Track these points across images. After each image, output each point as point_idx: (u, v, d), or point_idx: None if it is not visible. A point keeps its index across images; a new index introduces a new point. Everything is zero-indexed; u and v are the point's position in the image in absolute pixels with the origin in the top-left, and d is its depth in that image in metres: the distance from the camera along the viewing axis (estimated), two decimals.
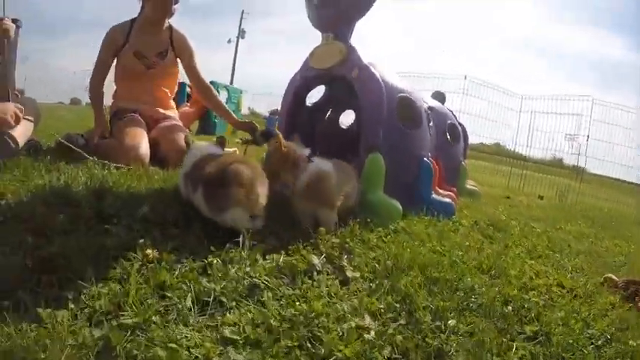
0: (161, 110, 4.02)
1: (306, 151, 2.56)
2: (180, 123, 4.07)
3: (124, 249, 1.72)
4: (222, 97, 11.28)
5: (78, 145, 3.63)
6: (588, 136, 9.87)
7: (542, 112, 10.13)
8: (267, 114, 16.13)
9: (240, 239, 1.91)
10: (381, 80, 3.05)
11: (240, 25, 38.76)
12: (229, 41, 39.40)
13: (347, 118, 4.31)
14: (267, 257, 1.90)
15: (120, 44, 3.82)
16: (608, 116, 9.86)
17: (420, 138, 3.35)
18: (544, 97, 10.15)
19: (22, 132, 2.94)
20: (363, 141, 3.04)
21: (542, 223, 4.52)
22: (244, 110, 17.94)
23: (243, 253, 1.85)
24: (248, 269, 1.74)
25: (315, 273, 1.87)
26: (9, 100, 2.89)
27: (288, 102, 3.58)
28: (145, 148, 3.45)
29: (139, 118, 3.81)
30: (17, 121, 2.80)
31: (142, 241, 1.80)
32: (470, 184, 5.29)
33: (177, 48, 3.97)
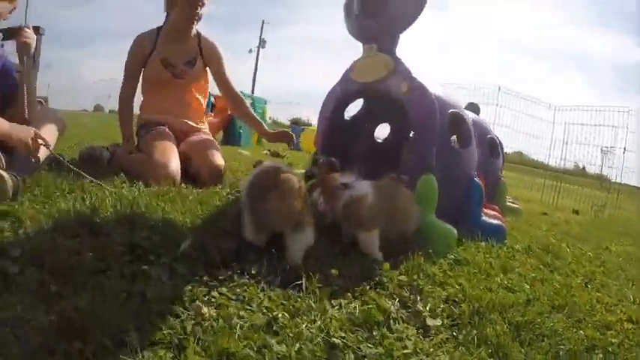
0: (191, 123, 3.75)
1: (348, 178, 2.41)
2: (211, 137, 3.82)
3: (169, 301, 1.43)
4: None
5: (102, 159, 3.43)
6: (625, 149, 9.51)
7: (577, 123, 9.77)
8: (289, 123, 16.00)
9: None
10: (433, 95, 2.80)
11: (260, 34, 38.76)
12: (250, 51, 39.36)
13: (381, 132, 4.10)
14: (334, 303, 1.64)
15: (147, 52, 3.58)
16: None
17: (470, 157, 3.09)
18: (577, 108, 9.79)
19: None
20: (414, 160, 2.78)
21: (588, 244, 4.26)
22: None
23: (312, 302, 1.58)
24: (319, 322, 1.47)
25: (392, 322, 1.61)
26: (26, 123, 2.61)
27: (327, 116, 3.33)
28: (175, 164, 3.18)
29: (168, 131, 3.55)
30: (35, 146, 2.51)
31: (189, 287, 1.53)
32: (509, 201, 5.02)
33: (207, 56, 3.72)
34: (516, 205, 5.10)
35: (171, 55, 3.61)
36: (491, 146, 4.32)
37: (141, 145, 3.51)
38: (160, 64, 3.58)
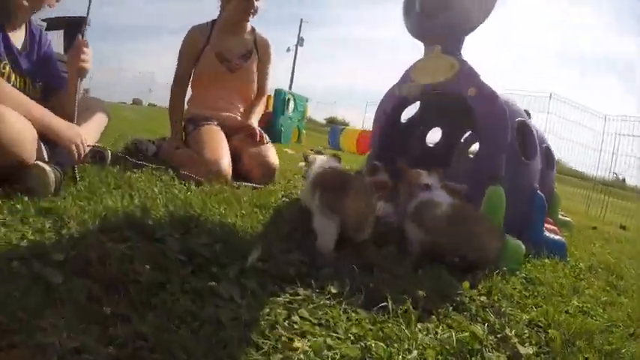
0: (240, 119, 3.60)
1: (431, 180, 2.36)
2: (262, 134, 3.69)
3: (247, 327, 1.21)
4: (290, 105, 11.07)
5: (148, 153, 3.33)
6: None
7: (629, 134, 9.38)
8: (324, 122, 15.89)
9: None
10: (502, 101, 2.63)
11: (299, 33, 38.68)
12: (288, 50, 39.20)
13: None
14: (421, 327, 1.45)
15: (201, 46, 3.48)
16: None
17: (535, 169, 2.88)
18: (628, 119, 9.41)
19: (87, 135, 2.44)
20: (481, 170, 2.62)
21: None
22: None
23: (402, 327, 1.38)
24: (415, 353, 1.27)
25: (483, 350, 1.45)
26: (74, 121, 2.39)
27: (385, 117, 3.17)
28: (227, 162, 3.04)
29: (218, 127, 3.42)
30: (81, 151, 2.28)
31: (266, 309, 1.32)
32: (560, 214, 4.79)
33: (261, 52, 3.66)
34: (567, 219, 4.88)
35: (226, 49, 3.51)
36: (547, 156, 4.13)
37: (189, 141, 3.39)
38: (215, 57, 3.48)
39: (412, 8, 2.89)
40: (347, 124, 18.97)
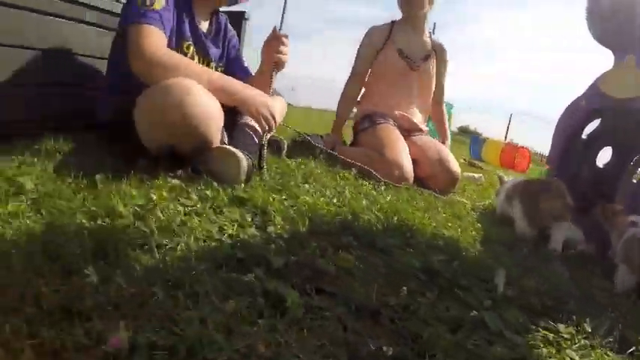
0: (416, 120, 3.44)
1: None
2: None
3: None
4: None
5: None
6: None
7: None
8: (457, 130, 15.16)
9: None
10: None
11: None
12: None
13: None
14: None
15: (380, 45, 3.40)
16: None
17: None
18: None
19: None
20: None
21: None
22: None
23: None
24: None
25: None
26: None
27: (570, 130, 2.98)
28: (409, 164, 2.88)
29: (394, 126, 3.25)
30: (270, 123, 2.08)
31: (536, 349, 1.15)
32: None
33: (438, 57, 3.54)
34: None
35: (408, 47, 3.41)
36: None
37: (360, 138, 3.30)
38: (397, 54, 3.38)
39: (598, 10, 2.66)
40: (479, 134, 17.99)
